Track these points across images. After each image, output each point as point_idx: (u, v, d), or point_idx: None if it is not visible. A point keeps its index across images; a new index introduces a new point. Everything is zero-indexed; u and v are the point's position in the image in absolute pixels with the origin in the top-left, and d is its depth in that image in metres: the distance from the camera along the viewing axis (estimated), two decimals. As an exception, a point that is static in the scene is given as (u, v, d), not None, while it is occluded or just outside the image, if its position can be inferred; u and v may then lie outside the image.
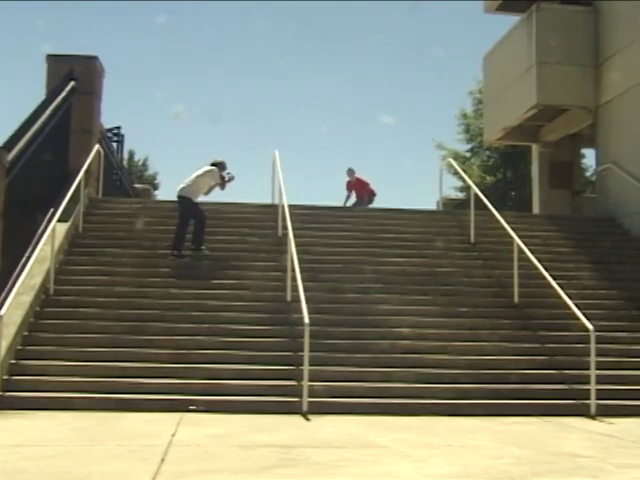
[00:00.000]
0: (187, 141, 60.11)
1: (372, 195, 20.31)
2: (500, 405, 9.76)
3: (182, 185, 13.35)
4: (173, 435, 7.48)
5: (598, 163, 17.91)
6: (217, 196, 14.23)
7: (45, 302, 11.35)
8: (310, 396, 9.31)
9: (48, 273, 11.58)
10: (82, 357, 10.14)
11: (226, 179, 13.78)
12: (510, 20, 19.98)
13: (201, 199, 13.68)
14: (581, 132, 19.39)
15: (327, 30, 60.70)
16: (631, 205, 15.97)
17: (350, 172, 20.38)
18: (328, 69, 61.10)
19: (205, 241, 13.29)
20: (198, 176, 13.41)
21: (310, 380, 9.39)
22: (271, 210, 14.63)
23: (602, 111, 17.35)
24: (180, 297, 11.83)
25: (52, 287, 11.57)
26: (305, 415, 9.08)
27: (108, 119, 24.12)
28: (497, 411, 9.56)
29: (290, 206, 13.08)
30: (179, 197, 13.37)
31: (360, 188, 20.27)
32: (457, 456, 6.78)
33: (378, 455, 6.74)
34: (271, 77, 61.46)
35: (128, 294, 11.79)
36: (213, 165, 13.67)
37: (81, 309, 11.25)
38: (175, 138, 59.57)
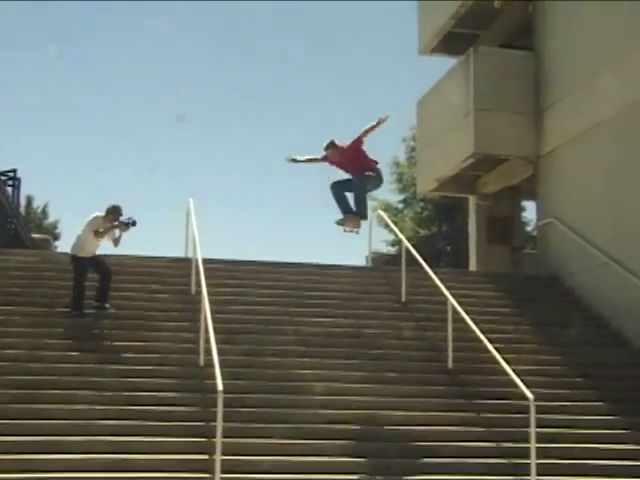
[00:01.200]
0: (101, 185, 58.66)
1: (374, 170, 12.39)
2: (433, 481, 9.76)
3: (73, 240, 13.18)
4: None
5: (539, 217, 18.22)
6: (123, 248, 13.97)
7: None
8: (224, 472, 9.18)
9: None
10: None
11: (124, 223, 13.12)
12: (446, 62, 20.44)
13: (100, 252, 13.41)
14: (521, 184, 19.71)
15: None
16: (574, 262, 16.22)
17: (330, 151, 12.24)
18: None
19: (110, 298, 13.10)
20: (83, 229, 13.10)
21: (224, 454, 9.26)
22: (184, 265, 14.52)
23: (543, 162, 17.68)
24: (80, 361, 11.61)
25: None
26: (217, 494, 8.94)
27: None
28: (430, 488, 9.56)
29: (205, 260, 12.99)
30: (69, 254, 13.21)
31: (352, 160, 12.20)
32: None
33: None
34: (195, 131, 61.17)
35: (19, 357, 11.52)
36: (108, 211, 13.13)
37: (-35, 374, 10.97)
38: (85, 181, 58.54)
